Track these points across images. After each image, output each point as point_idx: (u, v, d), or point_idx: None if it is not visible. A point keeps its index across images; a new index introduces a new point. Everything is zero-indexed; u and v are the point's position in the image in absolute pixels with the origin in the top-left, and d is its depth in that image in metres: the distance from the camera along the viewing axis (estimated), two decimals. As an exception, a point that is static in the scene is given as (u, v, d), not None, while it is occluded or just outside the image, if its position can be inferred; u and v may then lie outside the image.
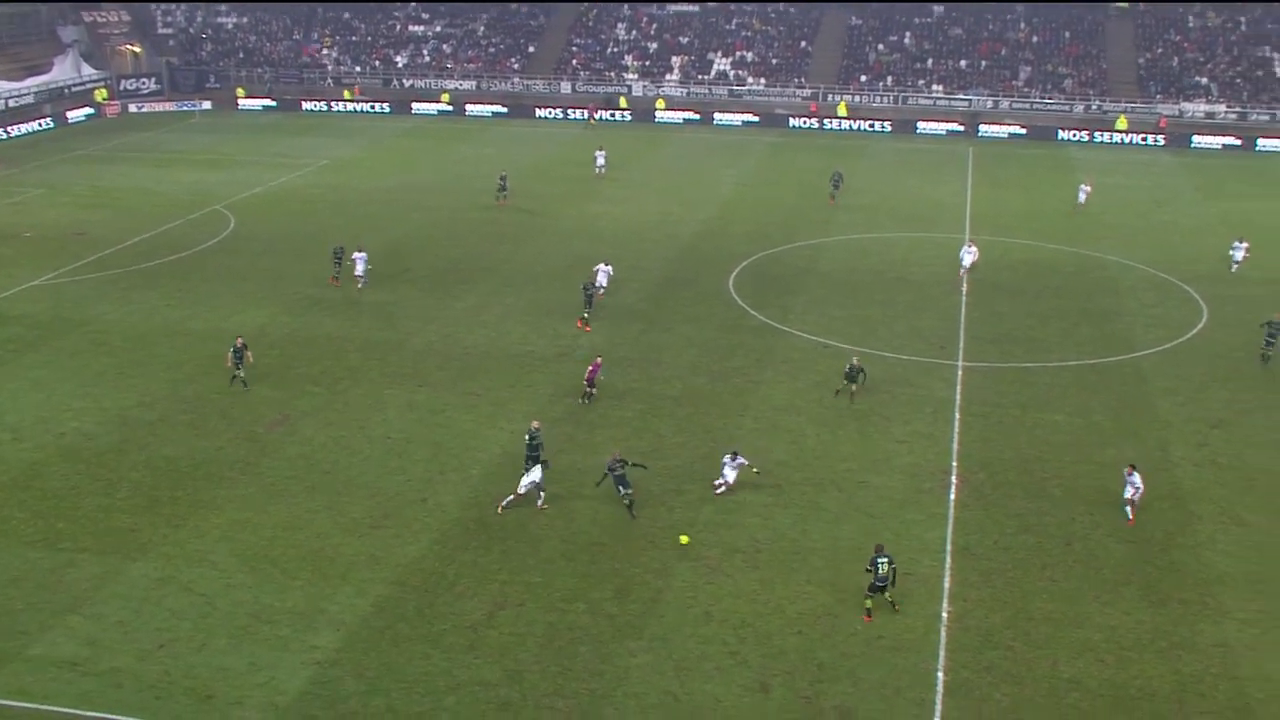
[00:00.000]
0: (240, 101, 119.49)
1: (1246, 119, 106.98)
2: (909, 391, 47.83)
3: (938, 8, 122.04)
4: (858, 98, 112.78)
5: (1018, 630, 32.46)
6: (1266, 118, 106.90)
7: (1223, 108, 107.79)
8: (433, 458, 41.88)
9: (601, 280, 57.21)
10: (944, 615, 33.09)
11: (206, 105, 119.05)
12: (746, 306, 57.72)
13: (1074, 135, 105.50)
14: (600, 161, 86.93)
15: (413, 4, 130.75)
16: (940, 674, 30.69)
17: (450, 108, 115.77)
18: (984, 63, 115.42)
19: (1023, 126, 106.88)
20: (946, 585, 34.51)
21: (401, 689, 29.87)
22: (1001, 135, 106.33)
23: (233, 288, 60.13)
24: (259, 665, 30.65)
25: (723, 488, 39.27)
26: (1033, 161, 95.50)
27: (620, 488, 38.02)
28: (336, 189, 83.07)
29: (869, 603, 32.85)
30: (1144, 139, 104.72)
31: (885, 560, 32.68)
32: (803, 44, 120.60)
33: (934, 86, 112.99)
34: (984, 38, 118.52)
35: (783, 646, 31.64)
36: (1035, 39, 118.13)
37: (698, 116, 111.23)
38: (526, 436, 39.58)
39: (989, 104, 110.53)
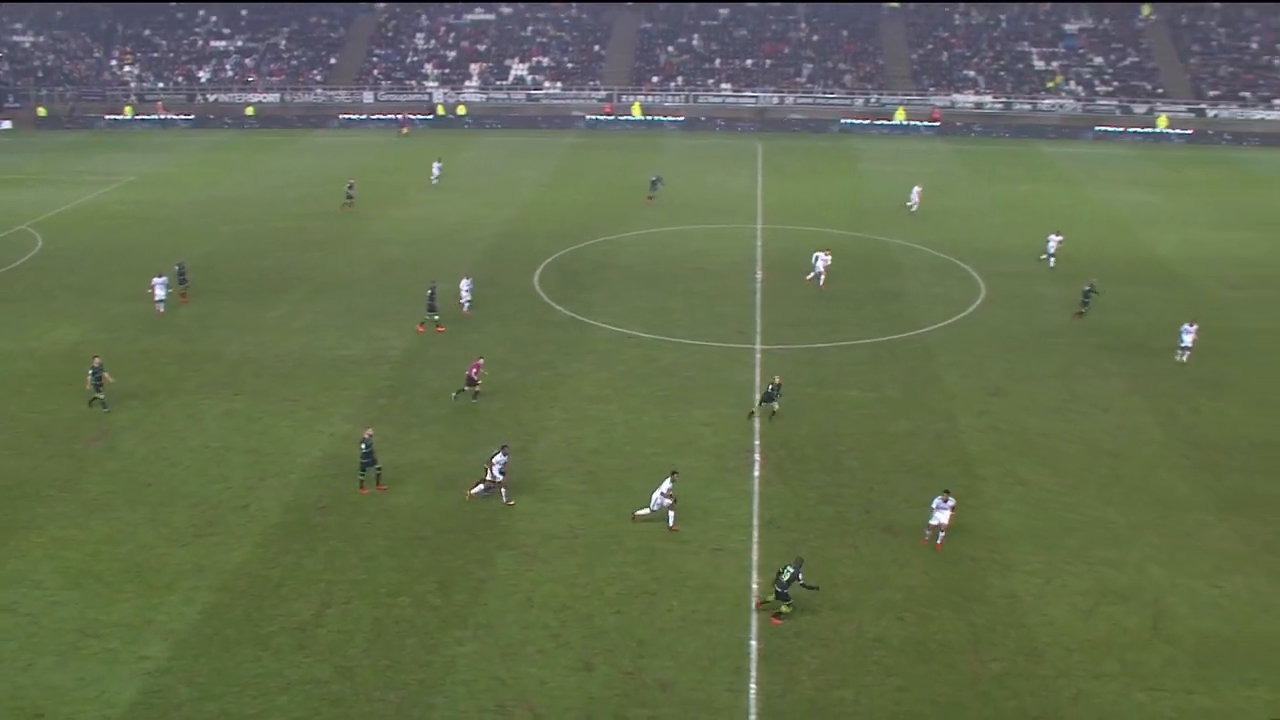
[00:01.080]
0: (41, 120, 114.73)
1: (1011, 109, 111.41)
2: (711, 376, 48.55)
3: (723, 10, 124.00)
4: (651, 98, 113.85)
5: (824, 596, 33.29)
6: (1028, 107, 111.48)
7: (989, 98, 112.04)
8: (253, 464, 40.97)
9: (465, 295, 55.91)
10: (754, 587, 33.74)
11: (7, 124, 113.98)
12: (552, 302, 57.84)
13: (856, 123, 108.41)
14: (436, 171, 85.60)
15: (214, 20, 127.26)
16: (753, 642, 31.31)
17: (255, 119, 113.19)
18: (769, 61, 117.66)
19: (807, 120, 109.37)
20: (755, 558, 35.19)
21: (234, 693, 29.23)
22: (788, 129, 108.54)
23: (43, 306, 57.75)
24: (88, 680, 29.62)
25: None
26: (818, 153, 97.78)
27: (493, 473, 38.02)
28: (145, 204, 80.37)
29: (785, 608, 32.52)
30: (920, 129, 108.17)
31: (790, 568, 32.13)
32: (596, 48, 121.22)
33: (723, 85, 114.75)
34: (768, 38, 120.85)
35: (603, 626, 31.88)
36: (815, 38, 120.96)
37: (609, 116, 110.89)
38: (362, 445, 39.04)
39: (775, 100, 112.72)
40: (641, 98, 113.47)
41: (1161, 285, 62.44)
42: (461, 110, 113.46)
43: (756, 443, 42.56)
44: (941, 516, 35.76)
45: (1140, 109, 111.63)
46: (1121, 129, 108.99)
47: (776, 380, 44.54)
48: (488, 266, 63.76)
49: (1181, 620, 32.69)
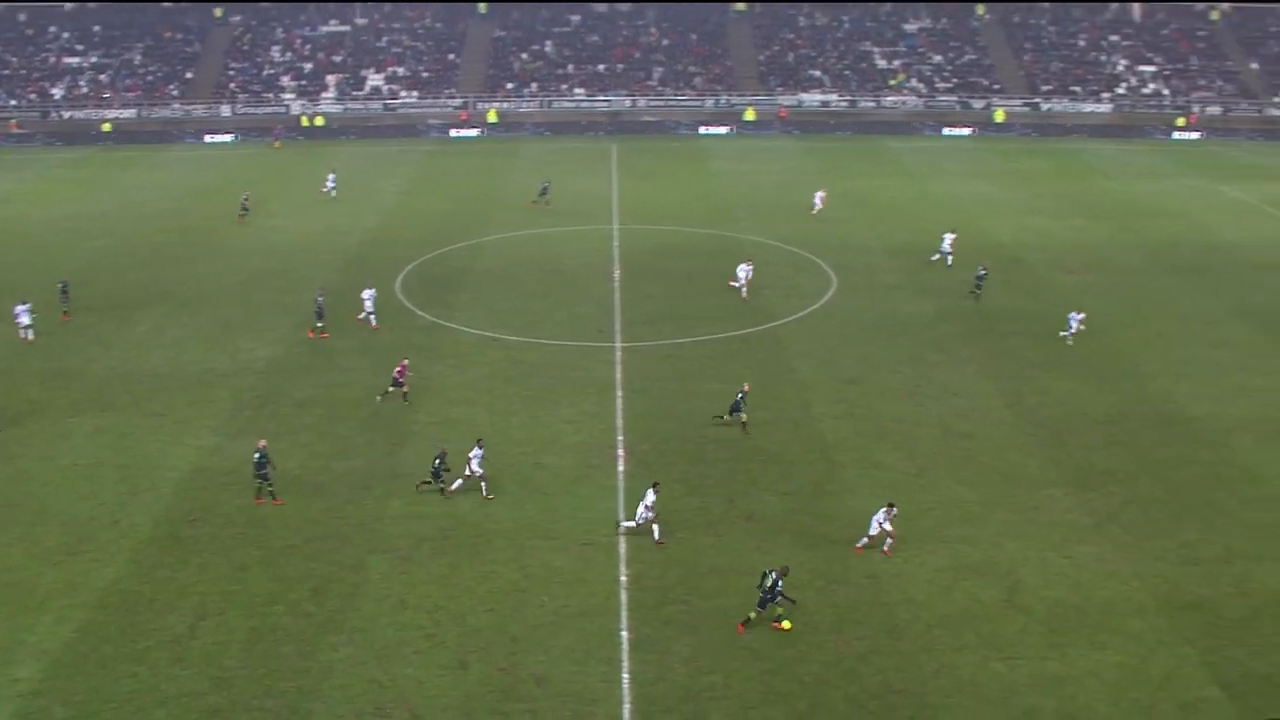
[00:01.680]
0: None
1: (856, 106, 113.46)
2: (573, 375, 48.57)
3: (575, 16, 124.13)
4: (507, 104, 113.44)
5: (691, 585, 33.55)
6: (873, 104, 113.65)
7: (835, 96, 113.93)
8: (122, 480, 39.84)
9: (369, 306, 54.52)
10: (623, 579, 33.86)
11: None
12: (413, 307, 57.28)
13: (709, 129, 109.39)
14: (330, 183, 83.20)
15: (65, 36, 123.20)
16: (624, 633, 31.42)
17: (112, 135, 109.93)
18: (620, 66, 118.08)
19: (659, 122, 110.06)
20: (622, 551, 35.32)
21: (110, 710, 28.44)
22: (641, 131, 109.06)
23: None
24: (-49, 707, 28.57)
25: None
26: (671, 154, 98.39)
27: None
28: (4, 221, 77.34)
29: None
30: (769, 128, 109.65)
31: (771, 574, 31.74)
32: (451, 56, 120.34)
33: (576, 90, 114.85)
34: (619, 43, 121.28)
35: (476, 625, 31.71)
36: (665, 42, 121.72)
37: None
38: (255, 455, 38.20)
39: (628, 103, 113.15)
40: (497, 105, 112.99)
41: (1003, 271, 64.13)
42: (320, 121, 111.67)
43: (620, 438, 42.68)
44: (885, 526, 35.20)
45: (979, 104, 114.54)
46: (962, 124, 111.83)
47: (745, 388, 43.87)
48: (350, 274, 62.85)
49: (1034, 591, 33.66)
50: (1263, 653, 31.11)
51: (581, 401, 45.94)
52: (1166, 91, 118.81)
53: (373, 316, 54.35)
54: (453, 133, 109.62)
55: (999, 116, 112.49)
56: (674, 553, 35.18)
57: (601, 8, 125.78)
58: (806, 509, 37.92)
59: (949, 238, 65.09)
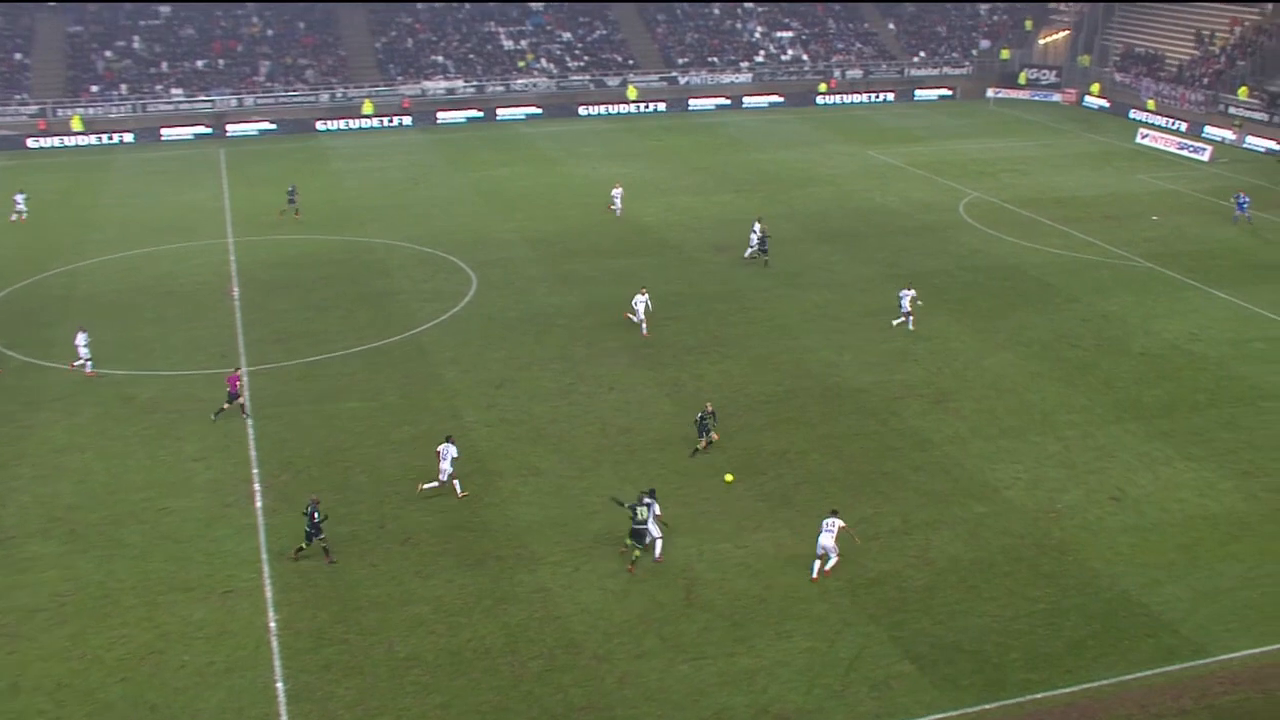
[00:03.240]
0: None
1: (484, 91, 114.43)
2: (198, 406, 47.07)
3: (164, 8, 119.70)
4: (92, 110, 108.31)
5: (349, 623, 33.21)
6: (502, 89, 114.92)
7: (461, 83, 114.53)
8: None
9: (83, 352, 49.70)
10: (272, 624, 33.17)
11: None
12: (2, 348, 53.94)
13: (327, 125, 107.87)
14: (19, 203, 76.05)
15: None
16: (280, 685, 30.79)
17: None
18: (222, 61, 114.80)
19: (272, 122, 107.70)
20: (269, 594, 34.58)
21: None
22: (253, 133, 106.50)
23: None
24: None
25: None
26: (288, 156, 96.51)
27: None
28: None
29: (635, 553, 35.80)
30: (393, 121, 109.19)
31: (645, 507, 35.42)
32: (18, 56, 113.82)
33: (174, 90, 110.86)
34: (217, 35, 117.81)
35: (108, 698, 30.36)
36: (270, 33, 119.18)
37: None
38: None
39: (234, 103, 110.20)
40: (82, 110, 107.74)
41: (652, 254, 66.32)
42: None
43: (256, 471, 41.74)
44: (825, 540, 35.36)
45: (613, 82, 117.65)
46: (597, 103, 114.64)
47: (709, 408, 43.44)
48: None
49: (713, 585, 35.02)
50: (948, 619, 33.46)
51: (208, 435, 44.61)
52: (806, 57, 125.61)
53: (88, 363, 50.61)
54: (30, 143, 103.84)
55: (631, 93, 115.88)
56: (326, 588, 34.71)
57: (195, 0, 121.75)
58: (466, 525, 38.16)
59: (758, 227, 65.99)
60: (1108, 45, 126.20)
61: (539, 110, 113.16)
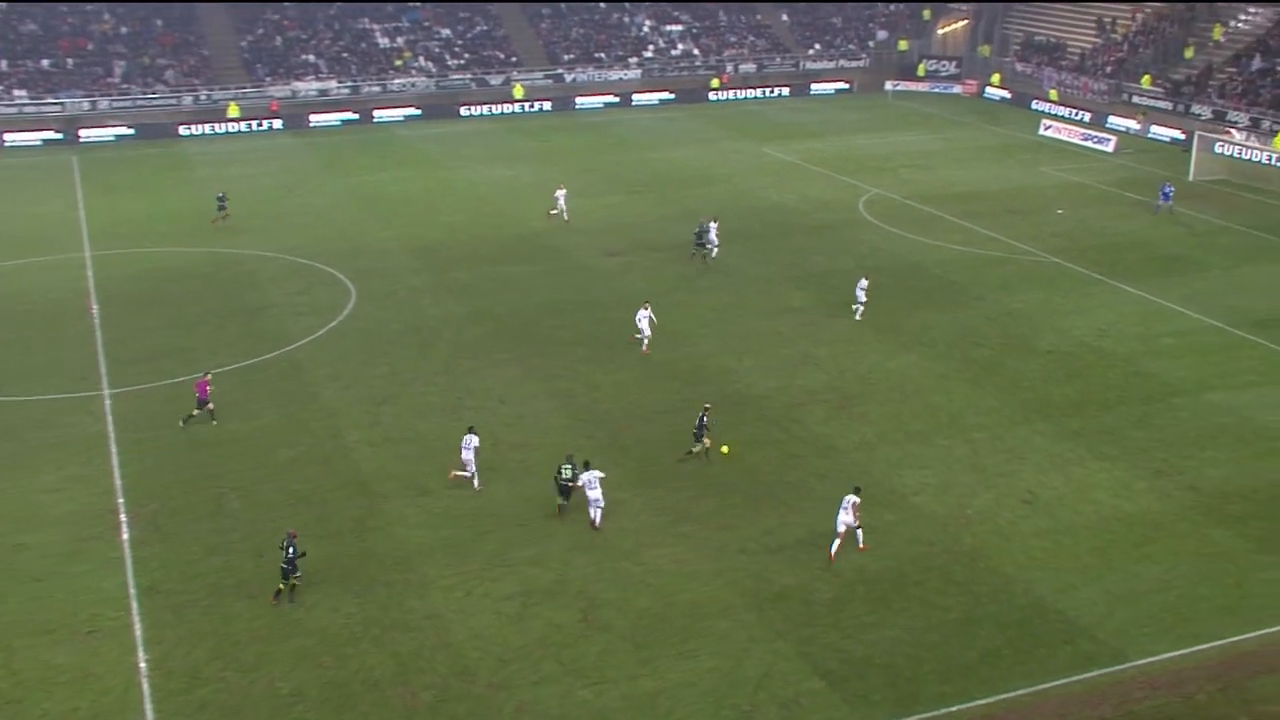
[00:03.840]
0: None
1: (360, 92, 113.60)
2: (55, 434, 46.19)
3: (1, 4, 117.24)
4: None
5: (226, 659, 32.77)
6: (378, 89, 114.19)
7: (334, 83, 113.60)
8: None
9: None
10: (142, 665, 32.63)
11: None
12: None
13: (191, 130, 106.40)
14: None
15: None
16: (151, 730, 30.37)
17: None
18: (71, 61, 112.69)
19: (130, 126, 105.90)
20: (138, 632, 34.01)
21: None
22: (108, 138, 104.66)
23: None
24: None
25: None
26: (148, 162, 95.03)
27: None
28: None
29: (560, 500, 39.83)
30: (262, 124, 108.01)
31: (569, 466, 39.47)
32: None
33: (16, 92, 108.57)
34: (64, 33, 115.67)
35: (-41, 754, 29.71)
36: (125, 30, 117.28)
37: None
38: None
39: (86, 105, 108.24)
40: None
41: (542, 261, 66.37)
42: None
43: (121, 501, 41.06)
44: (845, 518, 37.01)
45: (497, 80, 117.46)
46: (480, 103, 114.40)
47: (706, 406, 44.08)
48: None
49: (612, 605, 35.09)
50: (858, 633, 33.84)
51: (67, 464, 43.78)
52: (697, 52, 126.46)
53: None
54: None
55: (518, 92, 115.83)
56: (201, 624, 34.22)
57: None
58: (350, 551, 37.86)
59: (713, 226, 66.89)
60: (1008, 34, 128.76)
61: (418, 111, 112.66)
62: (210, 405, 46.74)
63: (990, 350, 53.80)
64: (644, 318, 53.82)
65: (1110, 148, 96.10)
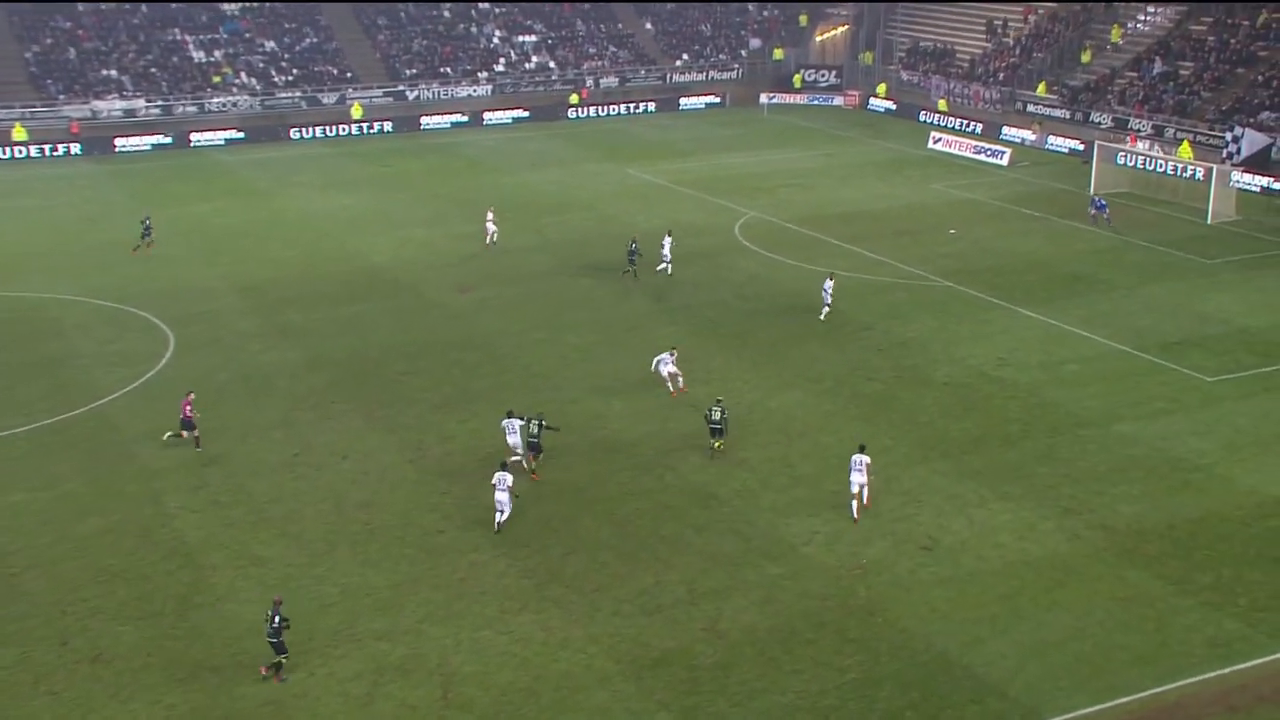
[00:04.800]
0: None
1: (173, 113, 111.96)
2: None
3: None
4: None
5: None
6: (195, 109, 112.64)
7: (143, 102, 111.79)
8: None
9: None
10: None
11: None
12: None
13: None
14: None
15: None
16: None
17: None
18: None
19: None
20: (-76, 735, 33.00)
21: None
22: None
23: None
24: None
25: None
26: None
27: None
28: None
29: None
30: (57, 149, 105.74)
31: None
32: None
33: None
34: None
35: None
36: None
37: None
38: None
39: None
40: None
41: (388, 298, 65.96)
42: None
43: (-106, 586, 39.80)
44: (859, 479, 42.85)
45: (330, 99, 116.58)
46: (312, 124, 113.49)
47: (719, 400, 48.76)
48: None
49: (474, 679, 34.72)
50: (747, 699, 33.81)
51: None
52: (553, 65, 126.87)
53: None
54: None
55: (356, 111, 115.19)
56: (-5, 725, 33.31)
57: None
58: (173, 633, 37.00)
59: (668, 241, 69.28)
60: (892, 40, 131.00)
61: (241, 134, 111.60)
62: (196, 431, 48.76)
63: (882, 384, 54.41)
64: (666, 361, 53.56)
65: (1005, 161, 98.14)
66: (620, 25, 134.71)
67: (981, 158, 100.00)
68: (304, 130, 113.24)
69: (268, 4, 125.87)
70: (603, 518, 43.24)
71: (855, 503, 42.68)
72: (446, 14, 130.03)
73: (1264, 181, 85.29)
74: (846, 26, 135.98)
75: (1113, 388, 54.09)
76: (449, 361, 57.17)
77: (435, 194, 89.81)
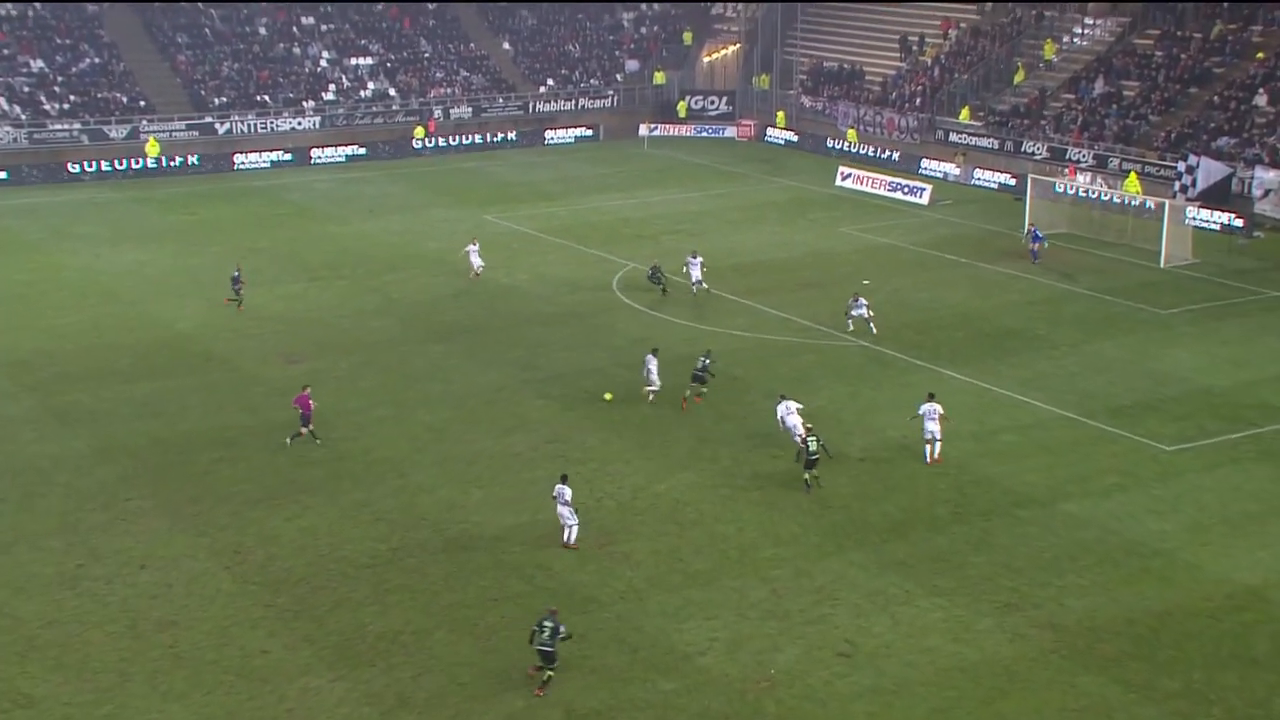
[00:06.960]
0: None
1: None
2: None
3: None
4: None
5: None
6: None
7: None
8: None
9: None
10: None
11: None
12: None
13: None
14: None
15: None
16: None
17: None
18: None
19: None
20: None
21: None
22: None
23: None
24: None
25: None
26: None
27: None
28: None
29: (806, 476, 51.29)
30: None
31: (814, 439, 51.01)
32: None
33: None
34: None
35: None
36: None
37: None
38: None
39: None
40: None
41: (196, 373, 65.15)
42: None
43: None
44: (933, 427, 52.93)
45: (119, 132, 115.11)
46: (95, 159, 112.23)
47: (709, 352, 58.02)
48: None
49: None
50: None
51: None
52: (394, 92, 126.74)
53: None
54: None
55: (153, 149, 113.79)
56: None
57: None
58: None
59: (696, 262, 75.19)
60: (791, 60, 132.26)
61: (2, 175, 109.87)
62: (311, 427, 55.25)
63: (787, 462, 54.50)
64: (650, 367, 60.84)
65: (924, 199, 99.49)
66: (473, 45, 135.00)
67: (898, 195, 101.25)
68: (86, 168, 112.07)
69: (31, 12, 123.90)
70: (462, 630, 42.79)
71: (928, 448, 53.00)
72: (262, 31, 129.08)
73: (1223, 218, 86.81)
74: (738, 45, 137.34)
75: (1056, 461, 54.69)
76: (273, 447, 56.46)
77: (254, 247, 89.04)
